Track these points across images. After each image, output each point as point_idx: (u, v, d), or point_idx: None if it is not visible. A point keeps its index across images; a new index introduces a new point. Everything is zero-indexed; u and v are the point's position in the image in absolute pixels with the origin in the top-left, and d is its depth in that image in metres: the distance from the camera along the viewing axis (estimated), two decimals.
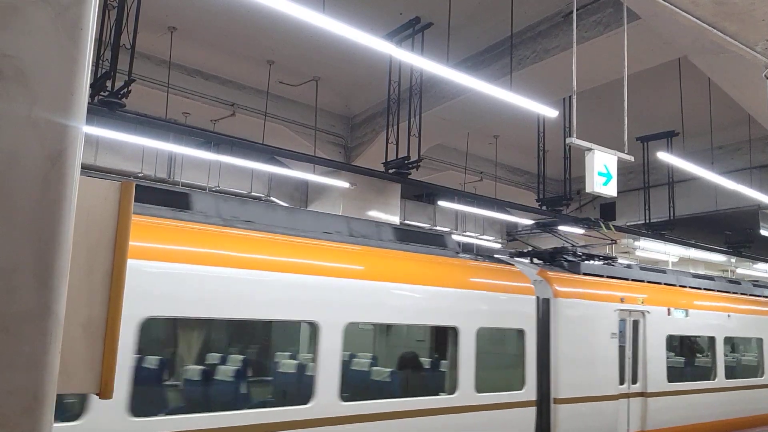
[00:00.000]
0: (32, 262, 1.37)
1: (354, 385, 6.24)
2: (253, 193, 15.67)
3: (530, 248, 10.38)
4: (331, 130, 14.94)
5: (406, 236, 7.48)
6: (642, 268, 10.76)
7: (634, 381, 9.44)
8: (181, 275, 5.10)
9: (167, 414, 4.99)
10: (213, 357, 6.07)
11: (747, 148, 15.39)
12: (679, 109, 13.37)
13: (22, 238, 1.36)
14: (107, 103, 8.08)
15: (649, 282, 10.40)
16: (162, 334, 5.81)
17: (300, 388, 5.86)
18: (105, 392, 1.73)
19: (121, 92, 8.18)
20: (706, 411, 10.58)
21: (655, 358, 9.70)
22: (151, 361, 5.42)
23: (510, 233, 11.50)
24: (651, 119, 14.67)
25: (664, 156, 9.36)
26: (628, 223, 18.04)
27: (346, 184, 13.37)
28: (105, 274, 1.78)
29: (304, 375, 5.93)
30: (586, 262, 9.80)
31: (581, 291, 8.82)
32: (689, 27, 6.10)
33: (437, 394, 6.84)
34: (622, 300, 9.32)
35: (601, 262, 10.10)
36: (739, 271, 28.86)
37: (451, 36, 10.75)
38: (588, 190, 6.55)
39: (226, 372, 5.71)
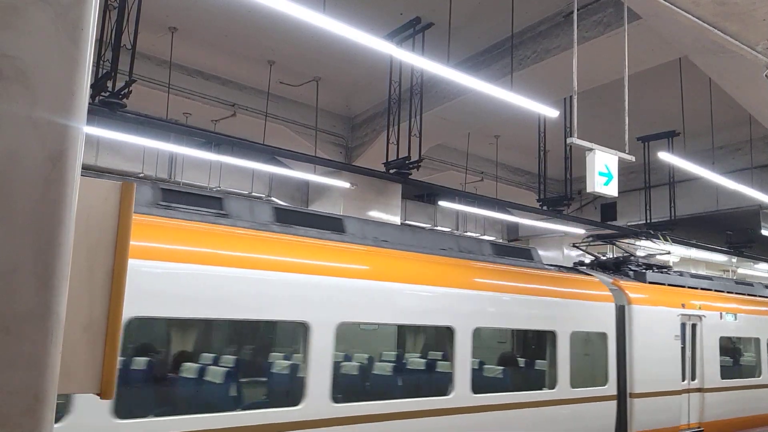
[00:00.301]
0: (33, 262, 1.37)
1: (479, 381, 7.40)
2: (254, 194, 15.68)
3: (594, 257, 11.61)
4: (332, 131, 14.94)
5: (500, 251, 8.63)
6: (692, 276, 11.85)
7: (693, 378, 10.53)
8: (365, 288, 6.35)
9: (360, 400, 6.16)
10: (390, 354, 7.27)
11: (748, 148, 15.38)
12: (680, 109, 13.36)
13: (23, 239, 1.37)
14: (108, 103, 8.09)
15: (701, 289, 11.51)
16: (350, 336, 6.92)
17: (442, 383, 7.07)
18: (105, 392, 1.73)
19: (122, 92, 8.19)
20: (752, 405, 11.75)
21: (710, 358, 10.86)
22: (346, 357, 6.70)
23: (575, 245, 12.79)
24: (652, 119, 14.67)
25: (665, 156, 9.36)
26: (629, 224, 18.02)
27: (346, 185, 13.37)
28: (106, 274, 1.78)
29: (445, 372, 7.15)
30: (649, 271, 10.79)
31: (650, 298, 9.93)
32: (690, 27, 6.10)
33: (541, 389, 8.00)
34: (683, 306, 10.44)
35: (660, 272, 11.09)
36: (740, 271, 28.84)
37: (451, 36, 10.76)
38: (589, 190, 6.55)
39: (384, 368, 6.90)
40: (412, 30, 10.78)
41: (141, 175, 13.79)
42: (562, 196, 13.53)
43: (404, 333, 7.51)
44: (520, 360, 8.39)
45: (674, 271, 11.51)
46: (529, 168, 19.05)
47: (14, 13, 1.37)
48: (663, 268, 11.36)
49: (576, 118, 6.67)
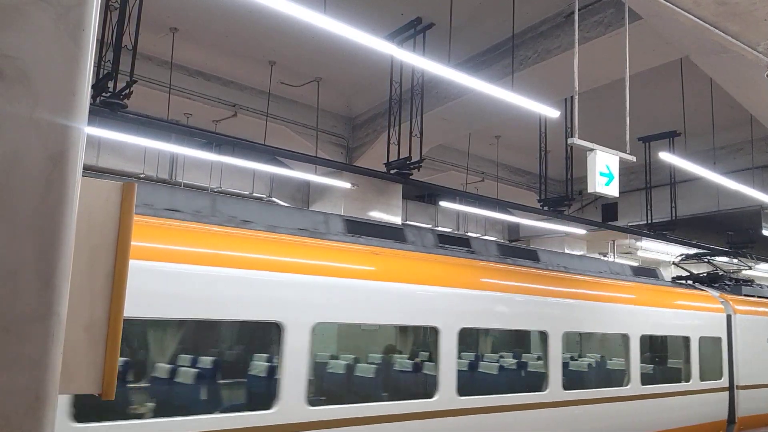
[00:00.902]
0: (34, 263, 1.37)
1: (644, 376, 9.14)
2: (255, 194, 15.69)
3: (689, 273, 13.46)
4: (333, 131, 14.94)
5: (636, 271, 10.47)
6: None
7: None
8: (578, 306, 8.28)
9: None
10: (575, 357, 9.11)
11: (749, 148, 15.37)
12: (681, 109, 13.36)
13: (24, 240, 1.37)
14: (109, 104, 8.09)
15: None
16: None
17: (616, 377, 8.85)
18: (106, 393, 1.73)
19: (123, 93, 8.19)
20: None
21: None
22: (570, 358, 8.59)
23: (676, 264, 14.99)
24: (653, 119, 14.66)
25: (665, 156, 9.35)
26: (629, 224, 18.01)
27: (347, 185, 13.37)
28: (107, 275, 1.78)
29: (622, 369, 8.92)
30: (741, 285, 12.64)
31: (749, 308, 11.88)
32: (691, 27, 6.10)
33: (679, 382, 9.85)
34: None
35: (748, 285, 12.94)
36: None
37: (452, 36, 10.76)
38: (590, 190, 6.55)
39: (578, 365, 8.62)
40: (413, 30, 10.78)
41: (142, 175, 13.80)
42: (563, 196, 13.52)
43: (592, 339, 9.41)
44: (669, 359, 10.26)
45: (756, 284, 13.38)
46: (529, 168, 19.04)
47: (15, 14, 1.38)
48: (747, 281, 13.14)
49: (577, 119, 6.67)
